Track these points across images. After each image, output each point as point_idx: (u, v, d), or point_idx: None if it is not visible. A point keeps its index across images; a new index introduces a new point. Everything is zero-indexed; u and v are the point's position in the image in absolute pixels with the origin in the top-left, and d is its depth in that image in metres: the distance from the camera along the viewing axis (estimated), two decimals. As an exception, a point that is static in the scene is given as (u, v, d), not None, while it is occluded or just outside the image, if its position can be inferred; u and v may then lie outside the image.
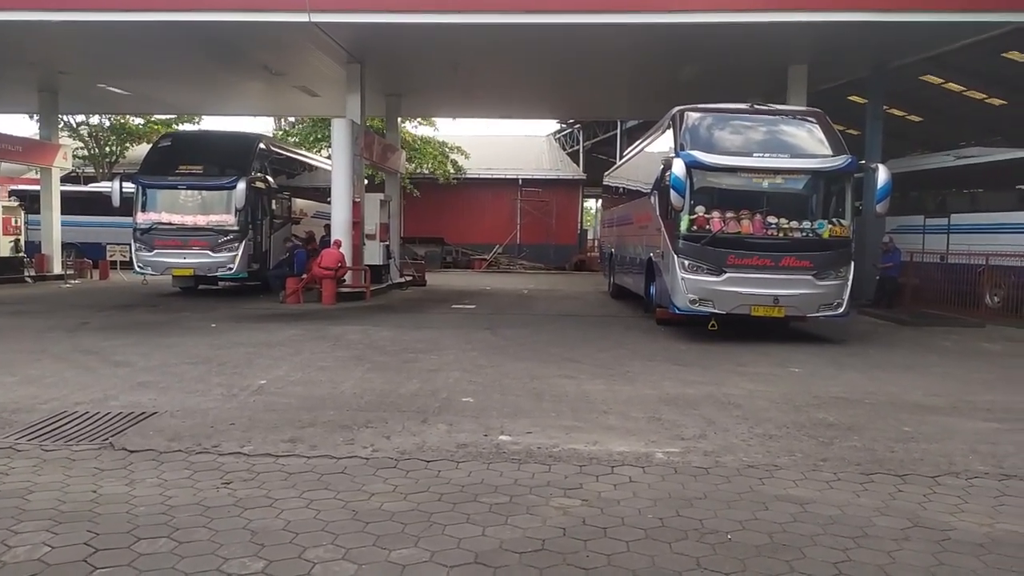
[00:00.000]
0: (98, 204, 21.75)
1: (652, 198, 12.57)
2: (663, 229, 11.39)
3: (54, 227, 21.40)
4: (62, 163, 22.02)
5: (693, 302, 10.45)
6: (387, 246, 19.36)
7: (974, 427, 6.07)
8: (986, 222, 14.62)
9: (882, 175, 10.55)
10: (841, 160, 10.58)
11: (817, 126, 11.26)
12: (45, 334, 10.34)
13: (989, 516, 4.10)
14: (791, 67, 15.85)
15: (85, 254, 22.80)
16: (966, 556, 3.58)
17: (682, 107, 11.53)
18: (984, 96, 22.44)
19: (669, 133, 11.64)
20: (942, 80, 21.28)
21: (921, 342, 11.18)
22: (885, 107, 18.49)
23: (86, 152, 30.35)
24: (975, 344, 11.11)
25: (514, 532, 3.74)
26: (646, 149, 14.42)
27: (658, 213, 11.88)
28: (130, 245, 16.50)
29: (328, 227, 17.91)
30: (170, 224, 15.83)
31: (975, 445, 5.48)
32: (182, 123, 29.55)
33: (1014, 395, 7.44)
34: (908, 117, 25.49)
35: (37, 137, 22.39)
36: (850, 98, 21.48)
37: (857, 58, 15.93)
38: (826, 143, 10.93)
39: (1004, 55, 18.53)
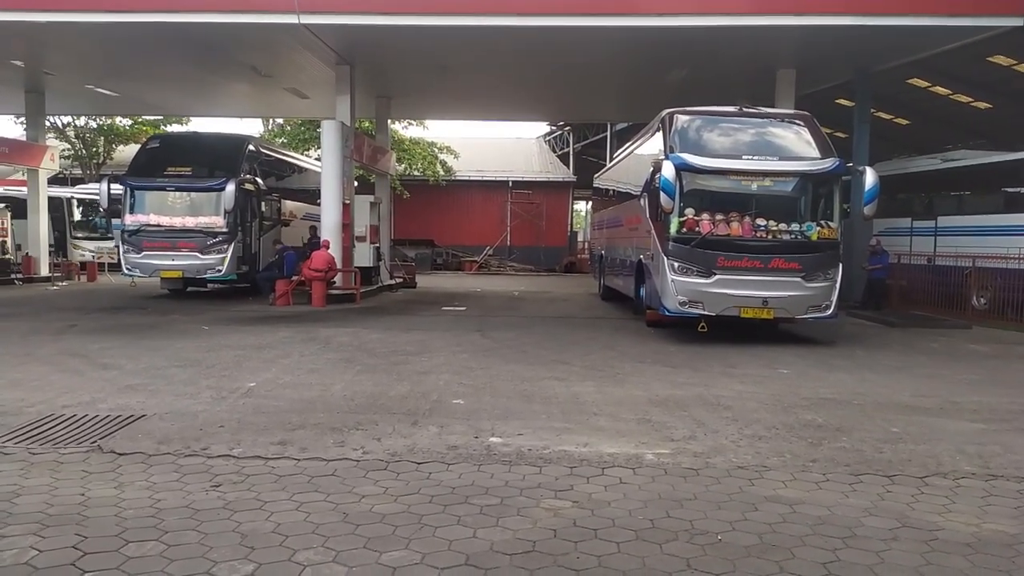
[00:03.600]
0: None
1: (642, 200, 12.61)
2: (653, 231, 11.42)
3: (41, 229, 21.24)
4: (49, 164, 21.86)
5: (683, 304, 10.48)
6: (377, 248, 19.34)
7: (961, 428, 6.12)
8: (973, 224, 14.73)
9: (870, 178, 10.63)
10: (829, 163, 10.64)
11: (805, 129, 11.33)
12: (31, 337, 10.26)
13: (976, 516, 4.14)
14: (779, 70, 15.96)
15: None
16: (954, 556, 3.61)
17: (671, 110, 11.57)
18: (970, 100, 22.66)
19: (659, 135, 11.68)
20: (928, 84, 21.46)
21: (909, 343, 11.25)
22: (872, 110, 18.63)
23: (72, 152, 30.14)
24: (962, 345, 11.19)
25: (505, 534, 3.74)
26: (636, 151, 14.47)
27: (648, 215, 11.92)
28: (118, 247, 16.39)
29: (314, 229, 17.90)
30: (158, 226, 15.74)
31: (962, 446, 5.53)
32: (170, 124, 29.39)
33: (1001, 396, 7.49)
34: (895, 120, 25.70)
35: (23, 138, 22.23)
36: (838, 101, 21.63)
37: (844, 61, 16.04)
38: (814, 146, 11.00)
39: (989, 59, 18.71)
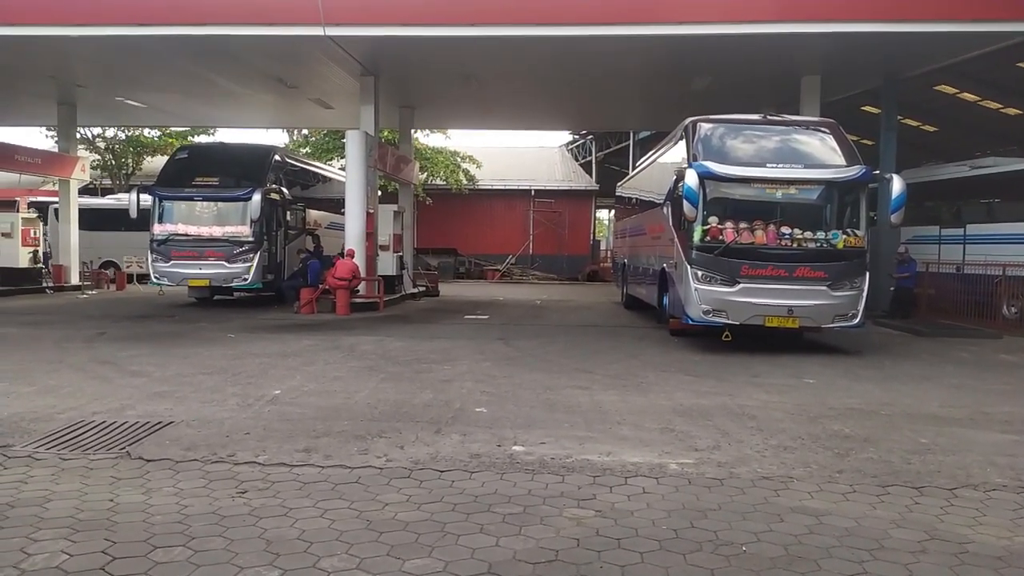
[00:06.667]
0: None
1: (665, 209, 12.57)
2: (676, 240, 11.37)
3: (72, 238, 21.64)
4: (80, 175, 22.30)
5: (707, 313, 10.41)
6: (400, 257, 19.44)
7: (992, 439, 6.01)
8: (1002, 232, 14.50)
9: (897, 185, 10.51)
10: (855, 170, 10.54)
11: (831, 136, 11.22)
12: (63, 344, 10.44)
13: (1008, 529, 4.06)
14: (804, 77, 15.82)
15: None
16: (984, 569, 3.55)
17: (695, 118, 11.53)
18: (999, 106, 22.31)
19: (682, 144, 11.64)
20: (956, 90, 21.17)
21: (937, 353, 11.08)
22: (899, 117, 18.42)
23: (102, 163, 30.68)
24: (992, 355, 11.00)
25: (527, 543, 3.74)
26: (659, 160, 14.43)
27: (671, 224, 11.87)
28: (147, 256, 16.67)
29: (317, 238, 18.13)
30: (186, 235, 15.99)
31: (993, 457, 5.43)
32: (197, 135, 29.82)
33: (1032, 407, 7.36)
34: (922, 127, 25.37)
35: (55, 150, 22.69)
36: (864, 108, 21.42)
37: (870, 68, 15.89)
38: (840, 153, 10.89)
39: (1019, 64, 18.42)
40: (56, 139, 23.61)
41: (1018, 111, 22.34)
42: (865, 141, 22.13)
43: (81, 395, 7.07)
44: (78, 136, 25.12)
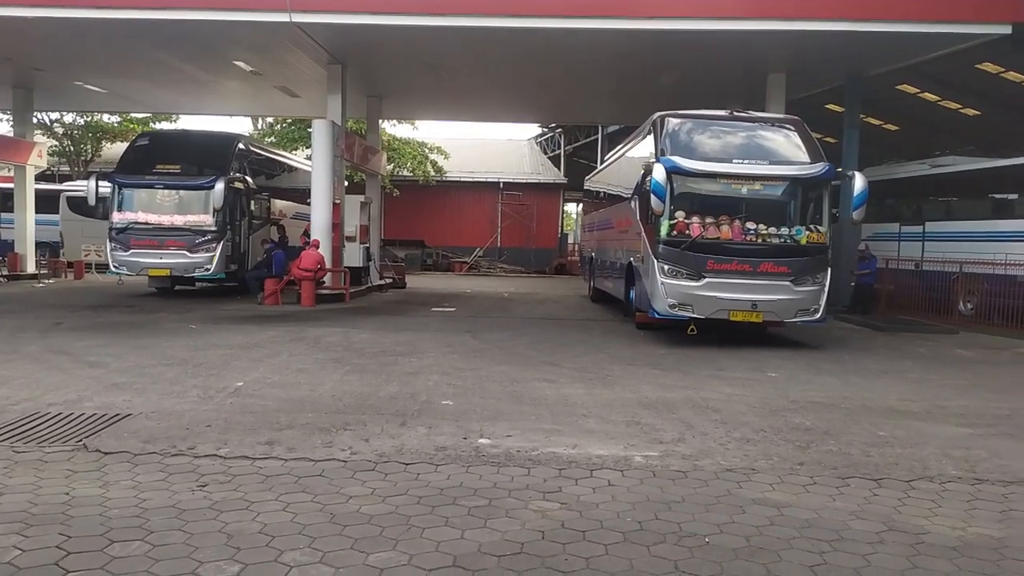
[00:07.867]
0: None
1: (633, 203, 12.63)
2: (643, 234, 11.44)
3: (28, 226, 21.07)
4: (37, 161, 21.68)
5: (672, 307, 10.49)
6: (367, 248, 19.29)
7: (948, 432, 6.16)
8: (960, 230, 14.84)
9: (859, 183, 10.68)
10: (819, 167, 10.69)
11: (795, 133, 11.37)
12: (17, 334, 10.17)
13: (962, 520, 4.16)
14: (770, 75, 16.01)
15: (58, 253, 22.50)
16: (939, 559, 3.63)
17: (663, 113, 11.59)
18: (959, 106, 22.81)
19: (650, 138, 11.70)
20: (918, 90, 21.60)
21: (896, 348, 11.31)
22: (862, 116, 18.71)
23: (59, 149, 29.88)
24: (949, 350, 11.27)
25: (493, 535, 3.73)
26: (627, 154, 14.49)
27: (638, 218, 11.94)
28: (105, 244, 16.29)
29: (283, 228, 17.93)
30: (147, 224, 15.64)
31: (949, 450, 5.56)
32: (159, 122, 29.19)
33: (986, 400, 7.55)
34: (885, 126, 25.84)
35: (10, 134, 22.05)
36: (828, 106, 21.73)
37: (834, 67, 16.11)
38: (804, 150, 11.04)
39: (978, 66, 18.85)
40: (11, 123, 22.91)
41: (976, 112, 22.88)
42: (828, 139, 22.48)
43: (36, 386, 6.89)
44: (35, 121, 24.44)
